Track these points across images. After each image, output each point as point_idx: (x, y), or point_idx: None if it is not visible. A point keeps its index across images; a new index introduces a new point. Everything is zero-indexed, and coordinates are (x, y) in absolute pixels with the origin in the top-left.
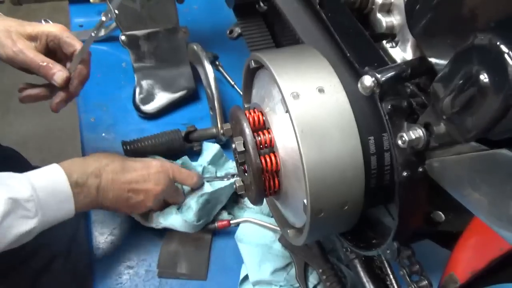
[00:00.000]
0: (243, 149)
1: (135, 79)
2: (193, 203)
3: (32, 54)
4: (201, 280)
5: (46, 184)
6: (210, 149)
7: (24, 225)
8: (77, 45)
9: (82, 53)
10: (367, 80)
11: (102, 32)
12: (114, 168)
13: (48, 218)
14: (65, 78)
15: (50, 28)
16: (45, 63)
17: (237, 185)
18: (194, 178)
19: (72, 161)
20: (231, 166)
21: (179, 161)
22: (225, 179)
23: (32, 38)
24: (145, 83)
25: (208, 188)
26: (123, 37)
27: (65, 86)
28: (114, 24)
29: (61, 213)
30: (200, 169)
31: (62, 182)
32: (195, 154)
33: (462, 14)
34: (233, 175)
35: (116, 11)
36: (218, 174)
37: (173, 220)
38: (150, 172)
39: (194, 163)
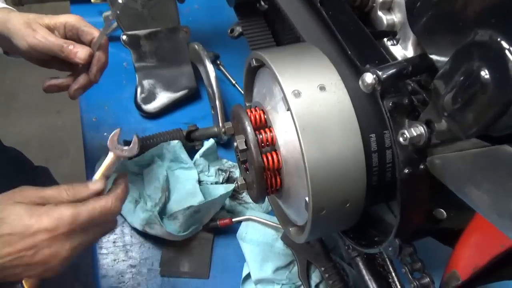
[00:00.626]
0: (245, 147)
1: (137, 78)
2: (179, 214)
3: (53, 38)
4: (203, 278)
5: None
6: (206, 143)
7: None
8: (95, 33)
9: (100, 39)
10: (368, 77)
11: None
12: None
13: None
14: (88, 55)
15: (67, 18)
16: (67, 44)
17: (239, 183)
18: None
19: None
20: (223, 163)
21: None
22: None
23: (50, 29)
24: (146, 83)
25: (199, 197)
26: (124, 37)
27: (87, 65)
28: (115, 24)
29: None
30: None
31: None
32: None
33: (463, 10)
34: (225, 171)
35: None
36: (210, 169)
37: (157, 230)
38: (35, 242)
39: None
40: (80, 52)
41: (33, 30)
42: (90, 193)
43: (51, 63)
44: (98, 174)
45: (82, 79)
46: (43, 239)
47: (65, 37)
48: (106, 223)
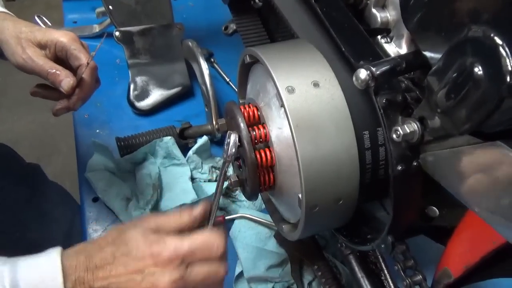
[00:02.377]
0: (238, 143)
1: (130, 75)
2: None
3: (41, 61)
4: None
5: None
6: (199, 140)
7: None
8: (83, 59)
9: (82, 72)
10: (362, 73)
11: (97, 29)
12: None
13: None
14: (72, 86)
15: (60, 37)
16: (53, 70)
17: (232, 180)
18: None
19: (75, 257)
20: (216, 160)
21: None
22: (214, 179)
23: (42, 46)
24: (139, 80)
25: (191, 195)
26: (117, 33)
27: (72, 93)
28: (108, 20)
29: None
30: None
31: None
32: None
33: (456, 7)
34: (218, 169)
35: (110, 7)
36: (204, 166)
37: None
38: (144, 267)
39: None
40: (64, 82)
41: (23, 48)
42: (192, 218)
43: (42, 78)
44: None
45: (64, 102)
46: (150, 264)
47: (55, 56)
48: (210, 260)
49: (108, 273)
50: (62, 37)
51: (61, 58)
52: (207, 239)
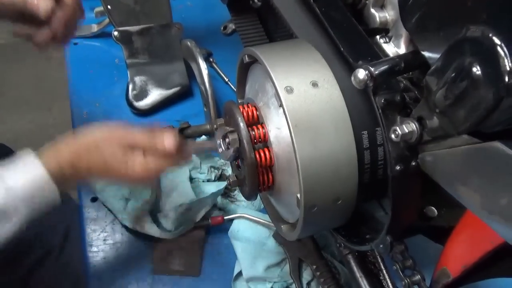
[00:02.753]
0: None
1: (128, 75)
2: (170, 212)
3: None
4: (195, 276)
5: (25, 184)
6: (198, 140)
7: (3, 229)
8: None
9: None
10: (361, 73)
11: (96, 29)
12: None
13: (31, 215)
14: (49, 7)
15: None
16: None
17: (231, 180)
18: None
19: (48, 150)
20: (215, 160)
21: None
22: (213, 179)
23: None
24: (138, 79)
25: (190, 195)
26: (116, 33)
27: (52, 18)
28: (107, 20)
29: (45, 205)
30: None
31: (43, 179)
32: None
33: (455, 7)
34: (217, 169)
35: (109, 7)
36: (202, 166)
37: (148, 228)
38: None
39: None
40: (42, 4)
41: None
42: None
43: (20, 20)
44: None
45: (46, 30)
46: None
47: None
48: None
49: (89, 155)
50: None
51: None
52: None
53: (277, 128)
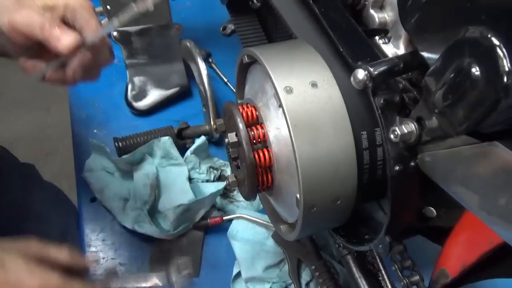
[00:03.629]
0: (236, 141)
1: (127, 75)
2: (169, 213)
3: (39, 16)
4: (193, 277)
5: None
6: (197, 140)
7: None
8: (93, 24)
9: (99, 34)
10: (360, 74)
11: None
12: None
13: None
14: (74, 44)
15: (71, 0)
16: (51, 25)
17: (230, 180)
18: None
19: None
20: (214, 161)
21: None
22: (212, 179)
23: (48, 8)
24: (137, 80)
25: (189, 195)
26: (115, 33)
27: (71, 56)
28: (106, 20)
29: None
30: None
31: None
32: None
33: (454, 7)
34: (216, 169)
35: (108, 7)
36: (202, 166)
37: (147, 229)
38: None
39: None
40: (65, 38)
41: (21, 6)
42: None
43: (34, 52)
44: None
45: (72, 62)
46: None
47: (61, 20)
48: None
49: None
50: (74, 1)
51: (67, 24)
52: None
53: (276, 128)
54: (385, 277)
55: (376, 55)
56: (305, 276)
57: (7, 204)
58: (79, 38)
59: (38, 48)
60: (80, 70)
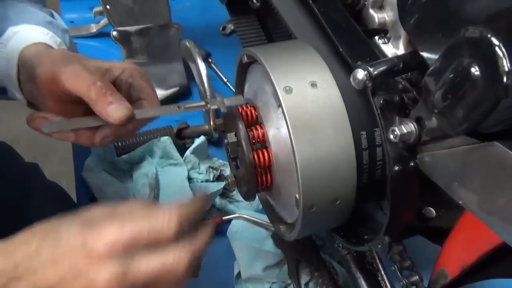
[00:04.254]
0: (235, 140)
1: None
2: None
3: (87, 72)
4: (193, 277)
5: None
6: (197, 140)
7: None
8: (151, 94)
9: (153, 114)
10: (360, 74)
11: (94, 29)
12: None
13: None
14: (126, 117)
15: (129, 65)
16: (101, 86)
17: (229, 180)
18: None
19: None
20: (213, 161)
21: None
22: (212, 179)
23: (101, 71)
24: None
25: (188, 194)
26: (114, 33)
27: (121, 126)
28: (105, 20)
29: None
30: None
31: None
32: None
33: (453, 7)
34: (216, 169)
35: (108, 6)
36: (201, 166)
37: None
38: (78, 260)
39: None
40: (118, 108)
41: (70, 61)
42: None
43: (72, 110)
44: None
45: (108, 130)
46: (82, 259)
47: (114, 84)
48: (162, 247)
49: (31, 277)
50: (132, 66)
51: (119, 88)
52: (153, 218)
53: (276, 129)
54: (385, 277)
55: (375, 55)
56: (305, 276)
57: (10, 202)
58: (131, 110)
59: (72, 105)
60: (113, 138)
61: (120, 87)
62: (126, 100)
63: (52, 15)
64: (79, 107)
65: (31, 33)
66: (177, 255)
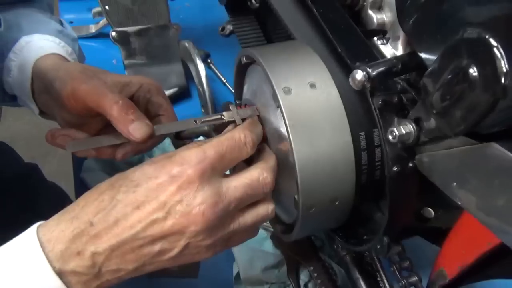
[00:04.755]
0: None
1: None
2: None
3: (107, 89)
4: (193, 278)
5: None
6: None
7: None
8: (169, 110)
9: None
10: (358, 74)
11: (93, 29)
12: (102, 227)
13: None
14: (147, 134)
15: (147, 80)
16: (124, 106)
17: None
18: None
19: (52, 230)
20: None
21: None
22: None
23: (119, 86)
24: None
25: None
26: (113, 33)
27: (143, 142)
28: (104, 20)
29: None
30: None
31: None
32: None
33: (452, 8)
34: None
35: (107, 7)
36: None
37: None
38: (163, 197)
39: None
40: (136, 126)
41: (88, 77)
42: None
43: (89, 121)
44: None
45: (128, 146)
46: (172, 191)
47: (131, 99)
48: (235, 158)
49: (112, 228)
50: (149, 81)
51: (137, 103)
52: (231, 135)
53: (274, 129)
54: (384, 277)
55: (374, 56)
56: (304, 277)
57: (9, 203)
58: (152, 128)
59: (89, 117)
60: (133, 153)
61: (138, 102)
62: (146, 117)
63: (61, 23)
64: (96, 118)
65: (43, 43)
66: (261, 171)
